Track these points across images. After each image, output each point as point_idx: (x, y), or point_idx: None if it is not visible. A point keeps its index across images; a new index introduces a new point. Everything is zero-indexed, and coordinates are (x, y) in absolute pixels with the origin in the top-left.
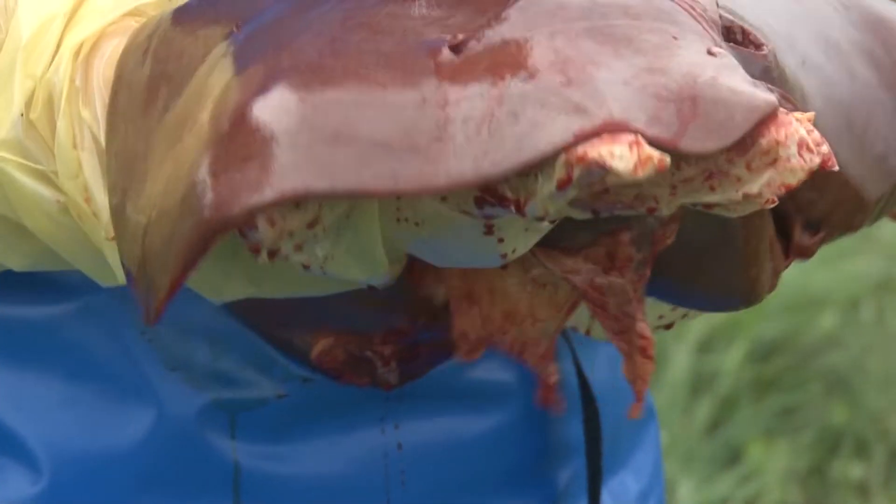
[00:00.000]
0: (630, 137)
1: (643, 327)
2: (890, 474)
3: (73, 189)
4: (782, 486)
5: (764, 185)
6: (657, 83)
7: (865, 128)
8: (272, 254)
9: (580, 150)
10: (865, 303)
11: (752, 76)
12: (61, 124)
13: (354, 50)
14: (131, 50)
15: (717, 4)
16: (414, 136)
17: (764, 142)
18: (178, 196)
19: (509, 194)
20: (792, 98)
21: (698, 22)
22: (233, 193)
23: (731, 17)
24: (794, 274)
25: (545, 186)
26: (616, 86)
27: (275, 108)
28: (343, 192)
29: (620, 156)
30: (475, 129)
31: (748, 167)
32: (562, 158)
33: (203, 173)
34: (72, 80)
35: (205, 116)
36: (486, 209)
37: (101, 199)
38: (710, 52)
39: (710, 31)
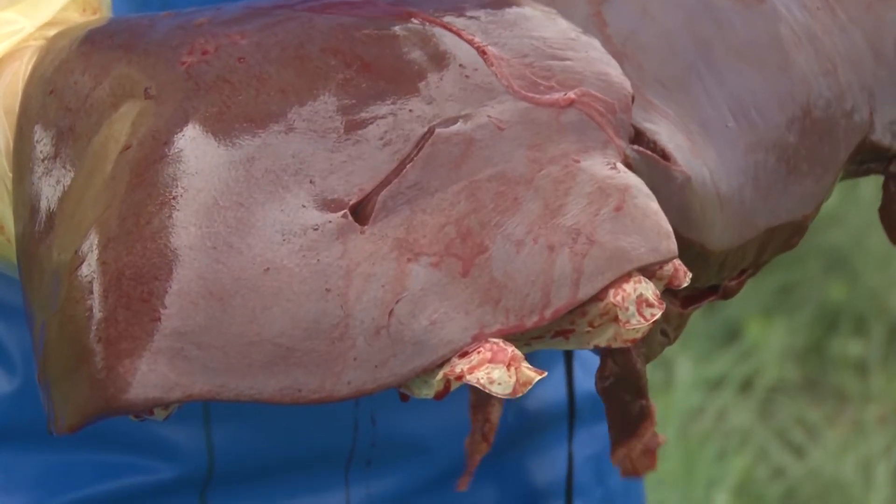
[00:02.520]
0: (507, 355)
1: (495, 416)
2: (888, 351)
3: None
4: (780, 364)
5: (610, 339)
6: (542, 244)
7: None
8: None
9: (458, 369)
10: (865, 181)
11: (654, 183)
12: None
13: (260, 221)
14: (35, 82)
15: (633, 100)
16: (316, 339)
17: (601, 304)
18: (80, 331)
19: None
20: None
21: (604, 131)
22: (138, 383)
23: (644, 126)
24: None
25: (422, 389)
26: (508, 263)
27: (184, 299)
28: (247, 399)
29: (499, 381)
30: (374, 330)
31: (591, 325)
32: (440, 374)
33: (109, 338)
34: None
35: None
36: None
37: (12, 228)
38: (612, 168)
39: (615, 138)
